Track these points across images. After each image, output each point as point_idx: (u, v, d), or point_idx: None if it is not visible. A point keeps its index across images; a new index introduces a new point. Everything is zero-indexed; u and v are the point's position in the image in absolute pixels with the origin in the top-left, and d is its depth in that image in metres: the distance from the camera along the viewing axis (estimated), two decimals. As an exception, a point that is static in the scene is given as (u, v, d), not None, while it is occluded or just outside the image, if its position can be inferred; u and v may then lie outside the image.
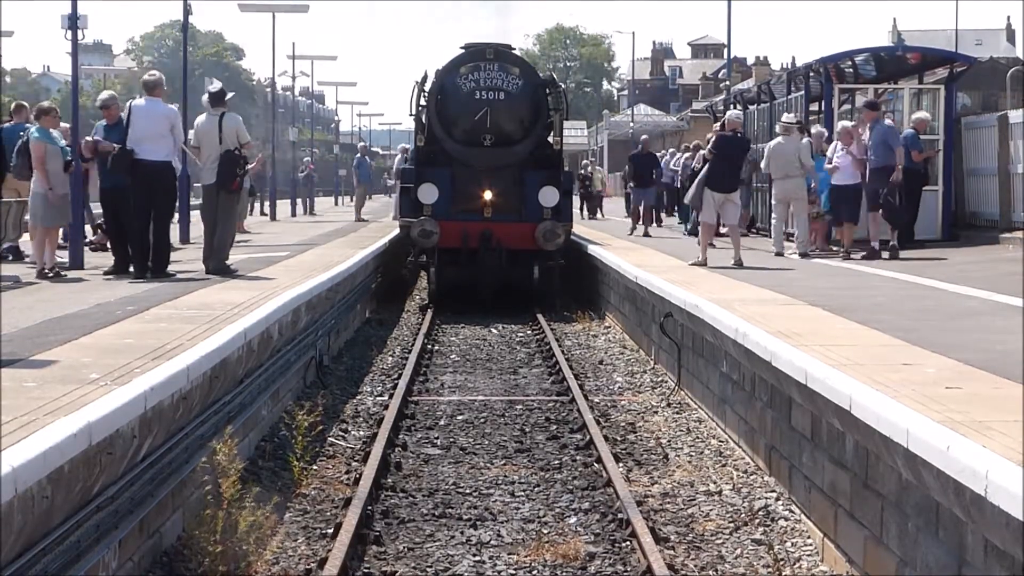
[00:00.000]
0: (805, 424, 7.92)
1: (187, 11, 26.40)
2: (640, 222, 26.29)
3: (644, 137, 29.29)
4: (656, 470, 9.70)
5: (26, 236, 16.07)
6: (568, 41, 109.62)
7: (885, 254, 17.57)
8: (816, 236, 19.01)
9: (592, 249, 20.77)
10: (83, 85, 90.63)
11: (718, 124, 21.11)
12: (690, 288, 12.83)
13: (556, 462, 9.94)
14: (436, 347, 16.61)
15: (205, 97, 15.62)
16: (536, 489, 9.13)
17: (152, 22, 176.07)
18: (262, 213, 40.68)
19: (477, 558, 7.50)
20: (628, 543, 7.69)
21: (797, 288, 12.88)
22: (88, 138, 16.13)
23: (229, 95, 15.60)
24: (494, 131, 20.79)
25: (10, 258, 16.43)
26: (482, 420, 11.70)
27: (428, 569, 7.32)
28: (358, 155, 38.02)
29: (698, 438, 10.76)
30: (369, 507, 8.27)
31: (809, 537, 7.76)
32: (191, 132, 15.79)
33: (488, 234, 20.20)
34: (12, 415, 6.02)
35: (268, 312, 10.76)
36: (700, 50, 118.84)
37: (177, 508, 7.50)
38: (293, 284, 13.40)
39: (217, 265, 14.94)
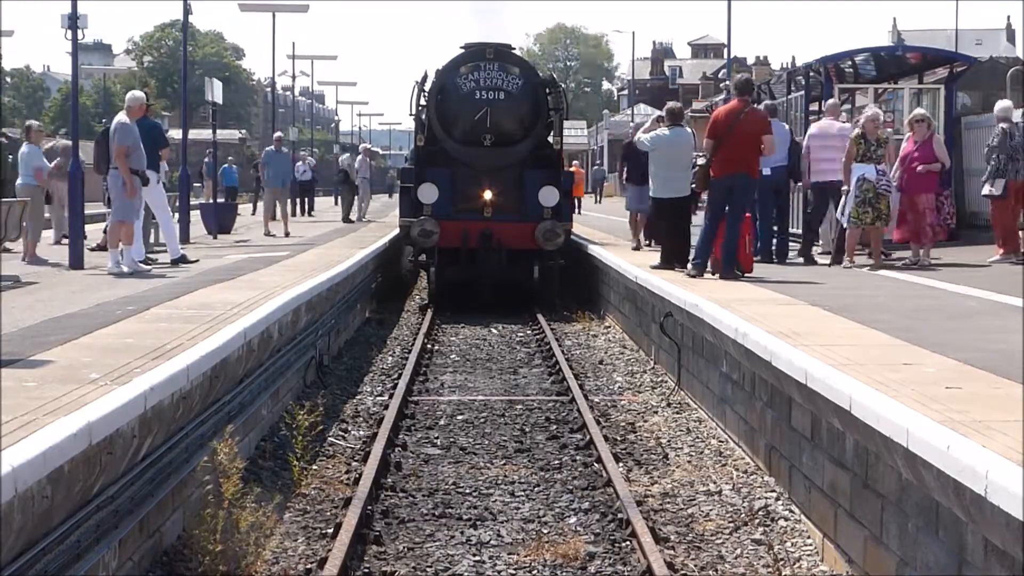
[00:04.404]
0: (805, 424, 7.91)
1: (187, 11, 26.40)
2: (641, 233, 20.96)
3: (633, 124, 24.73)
4: (656, 470, 9.70)
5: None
6: (568, 41, 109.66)
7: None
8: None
9: (592, 249, 20.75)
10: (83, 85, 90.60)
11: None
12: (690, 288, 12.83)
13: (556, 462, 9.93)
14: (436, 347, 16.60)
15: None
16: (536, 489, 9.13)
17: (152, 22, 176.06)
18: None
19: (477, 558, 7.49)
20: (628, 543, 7.69)
21: (797, 288, 12.88)
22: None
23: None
24: (494, 131, 20.80)
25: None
26: (482, 420, 11.70)
27: (428, 569, 7.31)
28: (359, 155, 37.67)
29: (698, 438, 10.75)
30: (369, 507, 8.27)
31: (809, 537, 7.76)
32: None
33: (488, 234, 20.21)
34: (12, 415, 6.02)
35: (268, 312, 10.77)
36: (700, 50, 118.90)
37: (177, 508, 7.50)
38: (293, 284, 13.41)
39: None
